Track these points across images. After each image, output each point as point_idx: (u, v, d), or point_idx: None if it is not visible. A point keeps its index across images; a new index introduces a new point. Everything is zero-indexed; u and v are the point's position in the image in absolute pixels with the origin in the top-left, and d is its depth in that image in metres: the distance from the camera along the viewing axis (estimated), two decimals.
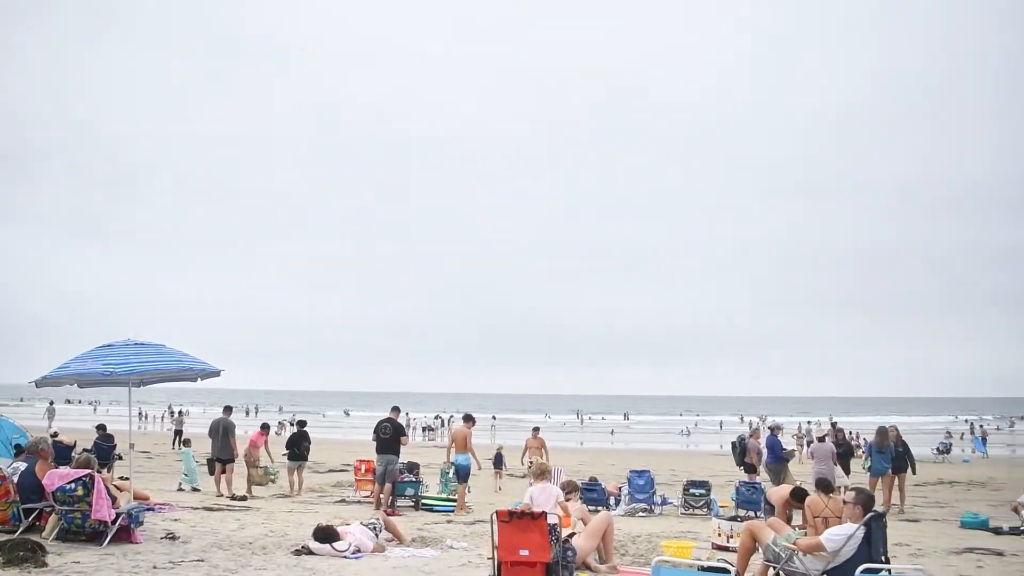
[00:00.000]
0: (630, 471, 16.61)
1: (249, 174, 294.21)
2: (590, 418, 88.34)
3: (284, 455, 18.81)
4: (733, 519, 11.98)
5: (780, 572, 7.98)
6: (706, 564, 7.16)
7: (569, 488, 10.80)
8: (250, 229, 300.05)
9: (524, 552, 7.49)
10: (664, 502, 16.36)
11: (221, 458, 17.04)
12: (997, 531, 13.52)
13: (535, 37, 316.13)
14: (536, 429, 21.07)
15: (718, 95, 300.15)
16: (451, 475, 16.75)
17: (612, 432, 64.32)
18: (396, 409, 16.33)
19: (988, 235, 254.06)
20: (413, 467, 16.99)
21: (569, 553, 8.15)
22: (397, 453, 15.50)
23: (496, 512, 7.88)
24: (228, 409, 18.27)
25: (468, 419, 16.94)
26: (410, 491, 15.79)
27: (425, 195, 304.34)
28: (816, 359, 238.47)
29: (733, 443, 19.50)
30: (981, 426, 57.76)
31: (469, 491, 16.23)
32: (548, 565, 7.57)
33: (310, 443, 18.93)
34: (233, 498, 16.27)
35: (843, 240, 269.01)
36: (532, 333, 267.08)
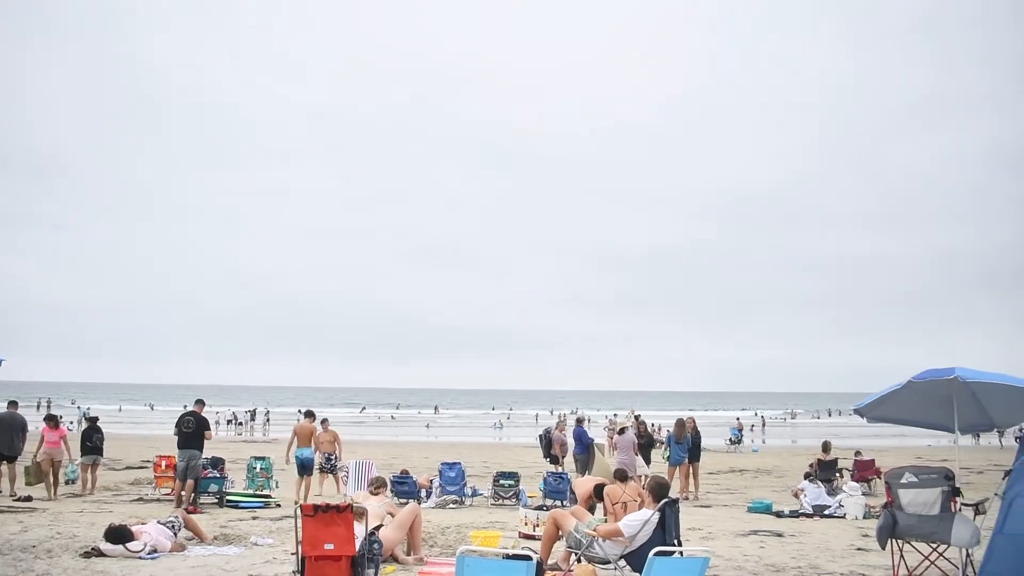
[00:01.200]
0: (441, 463, 16.70)
1: None
2: (393, 412, 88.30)
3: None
4: (540, 508, 12.27)
5: (581, 558, 8.28)
6: (511, 552, 7.28)
7: (376, 484, 10.70)
8: None
9: (329, 546, 7.36)
10: (474, 493, 16.57)
11: (7, 455, 15.68)
12: (779, 514, 14.55)
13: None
14: (324, 421, 18.97)
15: (530, 101, 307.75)
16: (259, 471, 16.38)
17: (428, 426, 64.55)
18: (200, 402, 15.66)
19: (786, 241, 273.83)
20: (218, 462, 16.35)
21: (375, 546, 8.09)
22: (200, 448, 14.84)
23: (300, 506, 7.71)
24: (14, 403, 16.76)
25: (310, 415, 17.78)
26: (214, 487, 15.18)
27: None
28: (628, 356, 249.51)
29: (540, 436, 20.03)
30: (762, 418, 62.31)
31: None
32: (353, 559, 7.47)
33: (103, 436, 17.76)
34: (16, 499, 15.04)
35: (647, 243, 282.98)
36: (350, 327, 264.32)
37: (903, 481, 8.44)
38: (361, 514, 8.30)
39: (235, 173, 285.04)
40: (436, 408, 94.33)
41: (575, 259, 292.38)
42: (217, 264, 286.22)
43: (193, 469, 14.58)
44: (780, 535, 11.96)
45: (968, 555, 8.05)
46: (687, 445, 17.76)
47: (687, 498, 17.33)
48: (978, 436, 34.46)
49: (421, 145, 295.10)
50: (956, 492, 8.28)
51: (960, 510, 8.29)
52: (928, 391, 8.43)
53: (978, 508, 8.32)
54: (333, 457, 17.84)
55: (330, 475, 17.94)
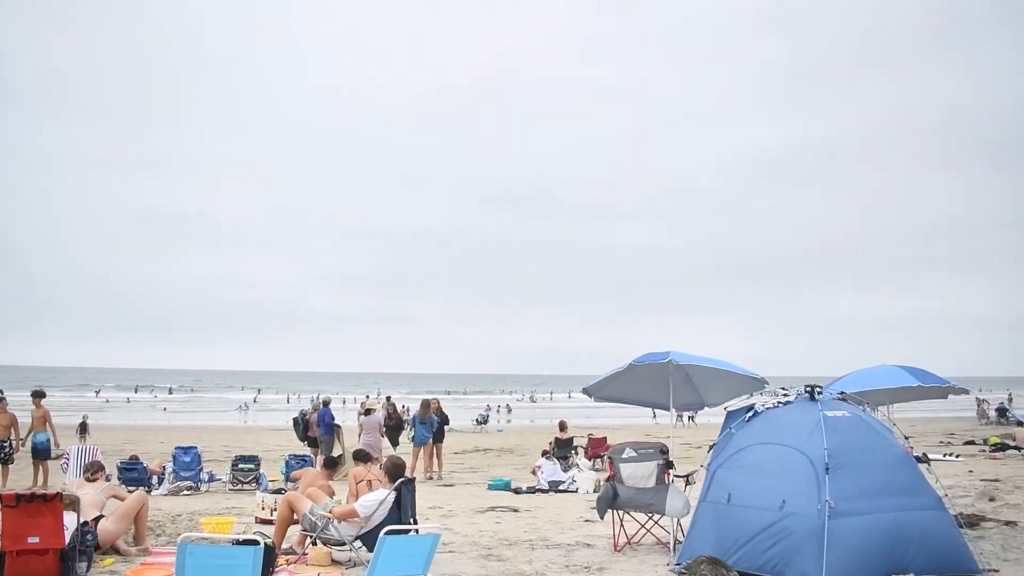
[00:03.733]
0: (176, 448, 15.84)
1: None
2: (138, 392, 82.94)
3: None
4: (278, 492, 11.98)
5: (317, 540, 8.17)
6: (241, 537, 7.04)
7: (93, 469, 9.90)
8: None
9: (33, 539, 6.73)
10: (211, 479, 15.86)
11: None
12: (517, 491, 15.13)
13: None
14: (37, 395, 16.42)
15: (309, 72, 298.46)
16: None
17: (165, 409, 60.97)
18: None
19: (549, 233, 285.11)
20: None
21: (88, 537, 7.52)
22: None
23: (1, 496, 7.00)
24: None
25: (39, 395, 16.34)
26: None
27: None
28: (399, 338, 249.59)
29: (295, 419, 19.54)
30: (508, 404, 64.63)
31: None
32: (62, 552, 6.89)
33: None
34: None
35: (422, 225, 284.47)
36: (86, 302, 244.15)
37: (624, 456, 9.05)
38: (72, 503, 7.65)
39: None
40: (171, 390, 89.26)
41: (347, 238, 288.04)
42: None
43: None
44: (516, 510, 12.42)
45: (679, 523, 8.78)
46: (432, 426, 18.00)
47: (431, 478, 17.60)
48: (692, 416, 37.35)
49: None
50: (670, 465, 9.00)
51: (673, 482, 9.02)
52: (648, 373, 9.09)
53: (688, 479, 9.09)
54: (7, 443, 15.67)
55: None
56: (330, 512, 8.02)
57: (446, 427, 20.04)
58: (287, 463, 15.80)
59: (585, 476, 15.47)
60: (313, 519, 8.12)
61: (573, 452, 19.27)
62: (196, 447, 15.90)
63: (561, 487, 15.39)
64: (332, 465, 10.74)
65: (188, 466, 15.37)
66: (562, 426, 19.80)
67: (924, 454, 20.88)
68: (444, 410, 19.52)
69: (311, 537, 8.22)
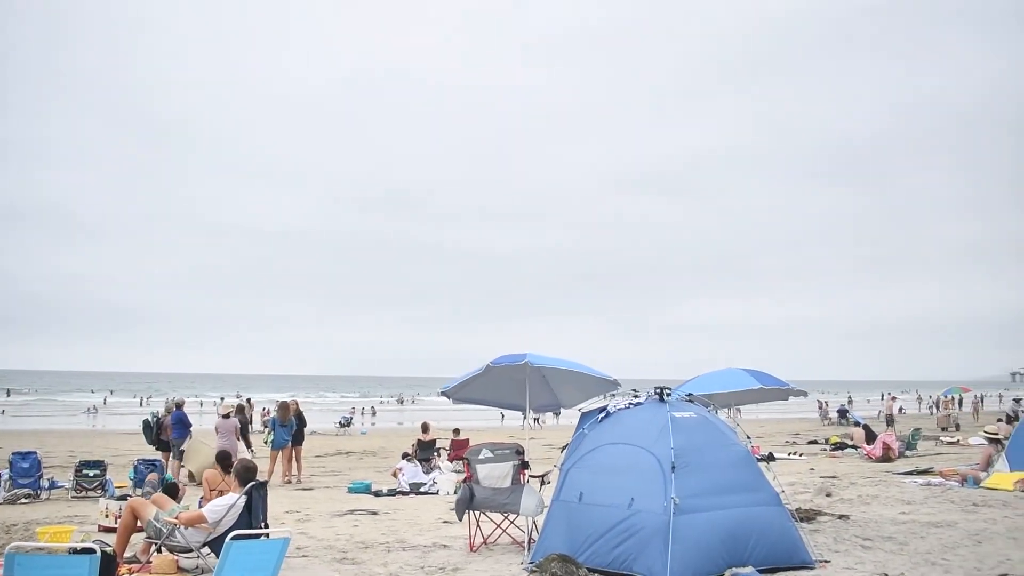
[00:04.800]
0: (13, 453, 14.91)
1: None
2: None
3: None
4: (123, 499, 11.44)
5: (162, 547, 7.87)
6: (78, 546, 6.70)
7: None
8: None
9: None
10: (53, 485, 14.99)
11: None
12: (377, 494, 15.01)
13: None
14: None
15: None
16: None
17: (3, 412, 57.25)
18: None
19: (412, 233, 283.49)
20: None
21: None
22: None
23: None
24: None
25: None
26: None
27: None
28: (260, 338, 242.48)
29: (146, 421, 18.68)
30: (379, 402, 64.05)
31: None
32: None
33: None
34: None
35: (281, 226, 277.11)
36: None
37: (480, 457, 9.13)
38: None
39: None
40: (8, 392, 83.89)
41: (216, 237, 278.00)
42: None
43: None
44: (375, 513, 12.32)
45: (534, 522, 8.92)
46: (291, 428, 17.63)
47: (290, 482, 17.23)
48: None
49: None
50: (525, 465, 9.14)
51: (528, 482, 9.17)
52: (505, 374, 9.20)
53: (543, 479, 9.24)
54: None
55: None
56: (176, 518, 7.75)
57: (305, 429, 19.63)
58: (135, 468, 15.14)
59: (446, 478, 15.50)
60: (158, 526, 7.82)
61: (435, 454, 19.25)
62: (36, 452, 15.00)
63: (422, 489, 15.36)
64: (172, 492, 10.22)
65: (27, 472, 14.48)
66: (425, 428, 19.73)
67: (770, 453, 22.02)
68: (304, 412, 19.13)
69: (156, 544, 7.91)
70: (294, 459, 17.89)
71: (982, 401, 62.20)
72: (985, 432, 16.80)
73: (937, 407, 50.48)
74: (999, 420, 25.16)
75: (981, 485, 13.79)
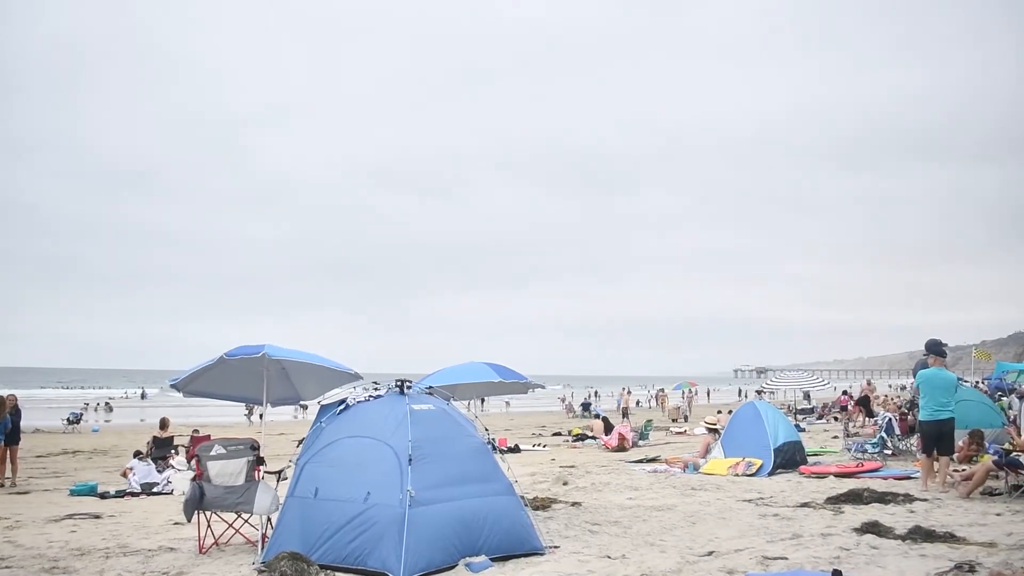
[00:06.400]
0: None
1: None
2: None
3: None
4: None
5: None
6: None
7: None
8: None
9: None
10: None
11: None
12: (104, 496, 13.99)
13: None
14: None
15: None
16: None
17: None
18: None
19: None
20: None
21: None
22: None
23: None
24: None
25: None
26: None
27: None
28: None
29: None
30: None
31: None
32: None
33: None
34: None
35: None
36: None
37: (212, 453, 8.71)
38: None
39: None
40: None
41: None
42: None
43: None
44: (98, 517, 11.46)
45: (268, 520, 8.61)
46: (6, 426, 16.00)
47: (3, 485, 15.66)
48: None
49: None
50: (260, 461, 8.82)
51: (263, 478, 8.85)
52: (242, 366, 8.83)
53: (280, 475, 8.95)
54: None
55: None
56: None
57: (24, 425, 17.92)
58: None
59: (182, 476, 14.66)
60: None
61: (173, 452, 18.19)
62: None
63: (155, 489, 14.48)
64: None
65: None
66: (163, 424, 18.58)
67: (516, 445, 22.80)
68: (22, 408, 17.45)
69: None
70: (9, 460, 16.25)
71: (708, 395, 67.93)
72: (706, 422, 18.33)
73: (657, 400, 54.00)
74: (719, 412, 27.58)
75: (700, 471, 15.00)
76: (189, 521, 8.85)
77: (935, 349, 12.53)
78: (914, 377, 13.94)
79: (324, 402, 8.78)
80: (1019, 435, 13.11)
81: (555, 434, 30.21)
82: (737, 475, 14.29)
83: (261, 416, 10.51)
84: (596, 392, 72.71)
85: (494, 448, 8.52)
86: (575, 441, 25.51)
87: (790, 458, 14.96)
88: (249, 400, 9.74)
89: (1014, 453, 11.29)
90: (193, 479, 8.86)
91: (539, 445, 24.49)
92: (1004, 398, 24.61)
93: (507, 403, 52.12)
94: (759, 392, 34.21)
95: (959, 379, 15.15)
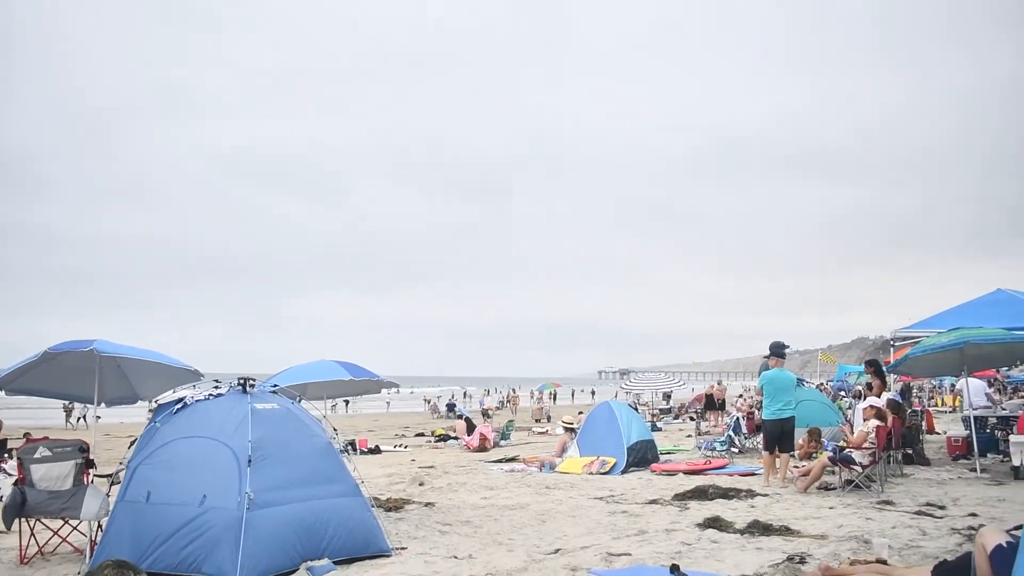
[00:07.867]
0: None
1: None
2: None
3: None
4: None
5: None
6: None
7: None
8: None
9: None
10: None
11: None
12: None
13: None
14: None
15: None
16: None
17: None
18: None
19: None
20: None
21: None
22: None
23: None
24: None
25: None
26: None
27: None
28: None
29: None
30: None
31: None
32: None
33: None
34: None
35: None
36: None
37: (36, 456, 8.13)
38: None
39: None
40: None
41: None
42: None
43: None
44: None
45: (98, 526, 8.11)
46: None
47: None
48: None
49: None
50: (90, 464, 8.30)
51: (93, 482, 8.33)
52: (71, 362, 8.31)
53: (112, 479, 8.45)
54: None
55: None
56: None
57: None
58: None
59: (10, 482, 13.70)
60: None
61: (6, 455, 17.02)
62: None
63: None
64: None
65: None
66: None
67: (377, 446, 22.48)
68: None
69: None
70: None
71: (573, 396, 69.08)
72: (563, 422, 18.53)
73: (507, 400, 53.88)
74: (580, 412, 27.97)
75: (556, 470, 15.15)
76: (9, 529, 8.25)
77: (776, 351, 13.10)
78: (758, 378, 14.53)
79: (161, 400, 8.34)
80: (852, 433, 13.81)
81: (418, 435, 29.96)
82: (591, 473, 14.50)
83: (98, 417, 9.92)
84: (465, 392, 72.82)
85: (354, 449, 8.32)
86: (437, 442, 25.38)
87: (642, 456, 15.30)
88: (81, 399, 9.16)
89: (847, 450, 11.86)
90: (15, 483, 8.24)
91: (400, 446, 24.23)
92: (846, 399, 25.97)
93: (387, 404, 51.88)
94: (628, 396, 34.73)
95: (800, 380, 15.88)
